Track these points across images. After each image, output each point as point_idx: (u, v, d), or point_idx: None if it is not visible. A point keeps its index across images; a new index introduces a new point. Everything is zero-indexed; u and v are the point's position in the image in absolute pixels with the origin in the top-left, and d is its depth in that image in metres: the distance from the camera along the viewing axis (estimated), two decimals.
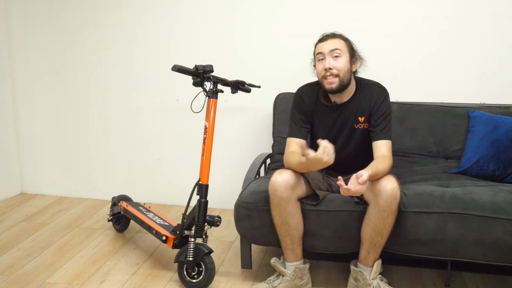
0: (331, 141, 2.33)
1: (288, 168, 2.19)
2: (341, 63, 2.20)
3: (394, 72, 2.98)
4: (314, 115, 2.34)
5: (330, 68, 2.19)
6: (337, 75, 2.20)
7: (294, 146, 2.28)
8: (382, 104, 2.25)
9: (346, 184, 2.34)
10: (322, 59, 2.23)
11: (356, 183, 1.95)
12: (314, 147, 2.43)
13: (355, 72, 2.30)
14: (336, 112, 2.31)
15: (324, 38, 2.25)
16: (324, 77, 2.22)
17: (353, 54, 2.27)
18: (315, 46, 2.29)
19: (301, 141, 2.28)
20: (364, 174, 1.94)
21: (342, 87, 2.23)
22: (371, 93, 2.28)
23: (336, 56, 2.20)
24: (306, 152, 1.99)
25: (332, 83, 2.21)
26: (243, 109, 3.24)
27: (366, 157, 2.30)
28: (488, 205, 2.11)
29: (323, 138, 2.33)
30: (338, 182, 1.96)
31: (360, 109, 2.28)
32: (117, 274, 2.48)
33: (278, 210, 2.15)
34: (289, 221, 2.17)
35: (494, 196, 2.16)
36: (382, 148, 2.19)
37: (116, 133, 3.47)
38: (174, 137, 3.38)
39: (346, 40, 2.26)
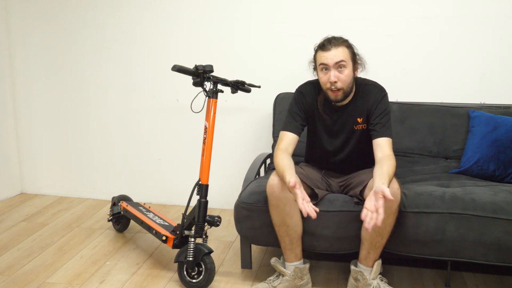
0: (330, 141, 2.34)
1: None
2: (345, 75, 2.16)
3: (394, 72, 2.98)
4: (314, 115, 2.34)
5: (335, 82, 2.16)
6: (341, 88, 2.17)
7: (286, 141, 2.25)
8: (380, 103, 2.24)
9: (346, 184, 2.35)
10: (326, 70, 2.17)
11: (377, 198, 1.86)
12: (312, 146, 2.44)
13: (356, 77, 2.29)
14: (336, 114, 2.30)
15: (327, 47, 2.15)
16: (329, 89, 2.19)
17: (356, 61, 2.23)
18: (316, 52, 2.21)
19: (294, 136, 2.26)
20: (384, 189, 1.84)
21: (346, 96, 2.22)
22: (369, 93, 2.27)
23: (341, 68, 2.15)
24: (295, 191, 1.94)
25: (337, 95, 2.19)
26: (243, 109, 3.24)
27: (365, 158, 2.30)
28: (488, 205, 2.11)
29: (323, 138, 2.34)
30: (366, 225, 1.85)
31: (358, 110, 2.27)
32: (117, 274, 2.48)
33: (276, 210, 2.15)
34: (288, 221, 2.17)
35: (494, 196, 2.16)
36: (384, 147, 2.16)
37: (116, 133, 3.47)
38: (174, 137, 3.38)
39: (348, 46, 2.19)
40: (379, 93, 2.26)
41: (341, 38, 2.20)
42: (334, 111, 2.30)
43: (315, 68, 2.27)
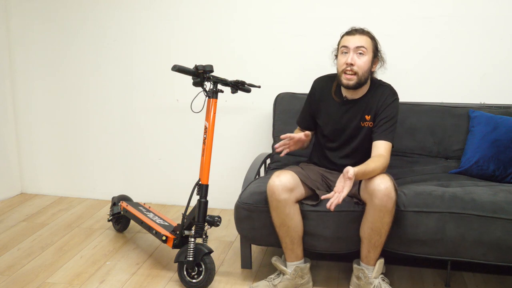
0: (336, 134, 2.34)
1: (287, 170, 2.20)
2: (363, 62, 2.20)
3: (394, 72, 2.97)
4: (322, 108, 2.37)
5: (351, 64, 2.19)
6: (356, 73, 2.20)
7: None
8: (389, 106, 2.26)
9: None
10: (346, 53, 2.23)
11: (343, 180, 1.95)
12: (318, 140, 2.45)
13: (373, 72, 2.31)
14: (345, 107, 2.32)
15: (352, 32, 2.25)
16: (344, 71, 2.22)
17: (376, 54, 2.27)
18: (341, 37, 2.28)
19: (299, 129, 2.45)
20: (349, 168, 1.94)
21: (359, 85, 2.24)
22: (381, 93, 2.29)
23: (360, 54, 2.21)
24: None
25: (350, 79, 2.22)
26: (243, 109, 3.24)
27: (367, 158, 2.30)
28: (488, 205, 2.11)
29: (329, 131, 2.35)
30: (327, 205, 1.94)
31: (368, 108, 2.29)
32: (117, 274, 2.48)
33: (277, 212, 2.16)
34: (288, 222, 2.17)
35: (494, 196, 2.16)
36: (380, 148, 2.20)
37: (116, 133, 3.47)
38: (174, 137, 3.38)
39: (373, 38, 2.26)
40: (390, 96, 2.29)
41: (368, 30, 2.28)
42: (344, 104, 2.32)
43: (336, 56, 2.32)
